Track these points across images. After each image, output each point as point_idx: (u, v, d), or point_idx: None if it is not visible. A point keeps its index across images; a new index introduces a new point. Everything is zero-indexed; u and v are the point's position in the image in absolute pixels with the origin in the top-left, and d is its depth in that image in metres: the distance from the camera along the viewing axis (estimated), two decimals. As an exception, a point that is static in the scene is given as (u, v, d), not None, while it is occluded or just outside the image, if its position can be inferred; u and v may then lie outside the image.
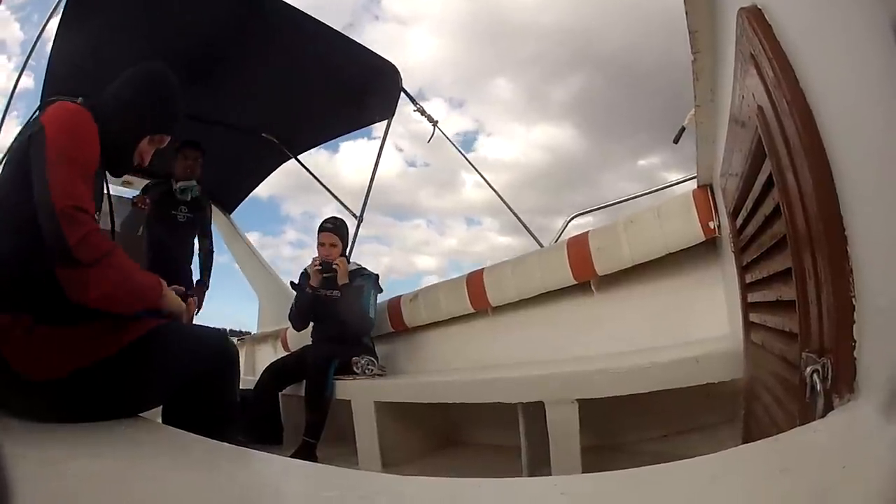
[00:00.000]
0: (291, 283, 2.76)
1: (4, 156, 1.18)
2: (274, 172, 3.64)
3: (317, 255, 2.61)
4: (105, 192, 1.23)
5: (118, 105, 1.19)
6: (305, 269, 2.70)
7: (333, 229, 2.62)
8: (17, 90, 2.57)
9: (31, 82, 2.68)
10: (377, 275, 2.65)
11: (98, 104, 1.16)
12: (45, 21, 2.26)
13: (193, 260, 2.86)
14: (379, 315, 2.88)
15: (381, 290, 2.66)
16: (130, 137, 1.22)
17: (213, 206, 3.07)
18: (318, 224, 2.66)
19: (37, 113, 1.15)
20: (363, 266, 2.69)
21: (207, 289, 2.88)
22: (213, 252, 2.92)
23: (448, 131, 3.00)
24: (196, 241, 2.85)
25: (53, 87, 2.37)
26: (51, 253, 0.95)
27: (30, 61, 2.52)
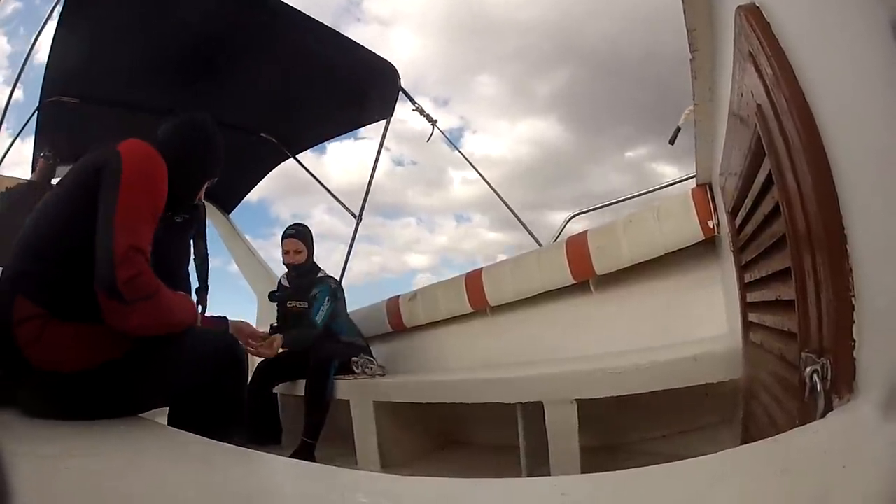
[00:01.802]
0: (270, 294, 2.67)
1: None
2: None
3: (284, 265, 2.57)
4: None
5: (182, 154, 1.25)
6: (280, 279, 2.69)
7: (296, 235, 2.52)
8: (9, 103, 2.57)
9: (20, 95, 2.66)
10: (338, 284, 2.57)
11: (162, 151, 1.20)
12: (37, 33, 2.26)
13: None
14: (377, 315, 2.90)
15: (336, 299, 2.53)
16: (197, 183, 1.36)
17: (211, 206, 3.06)
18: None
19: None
20: (327, 275, 2.62)
21: (208, 292, 2.90)
22: (208, 256, 2.95)
23: (435, 130, 2.99)
24: (192, 243, 2.87)
25: (52, 87, 2.36)
26: (98, 281, 0.99)
27: (18, 73, 2.52)
